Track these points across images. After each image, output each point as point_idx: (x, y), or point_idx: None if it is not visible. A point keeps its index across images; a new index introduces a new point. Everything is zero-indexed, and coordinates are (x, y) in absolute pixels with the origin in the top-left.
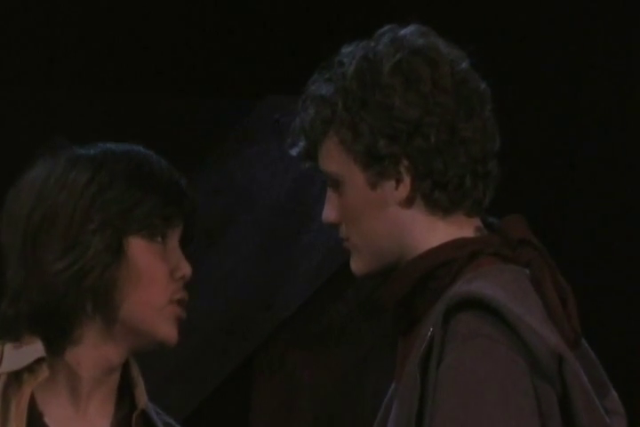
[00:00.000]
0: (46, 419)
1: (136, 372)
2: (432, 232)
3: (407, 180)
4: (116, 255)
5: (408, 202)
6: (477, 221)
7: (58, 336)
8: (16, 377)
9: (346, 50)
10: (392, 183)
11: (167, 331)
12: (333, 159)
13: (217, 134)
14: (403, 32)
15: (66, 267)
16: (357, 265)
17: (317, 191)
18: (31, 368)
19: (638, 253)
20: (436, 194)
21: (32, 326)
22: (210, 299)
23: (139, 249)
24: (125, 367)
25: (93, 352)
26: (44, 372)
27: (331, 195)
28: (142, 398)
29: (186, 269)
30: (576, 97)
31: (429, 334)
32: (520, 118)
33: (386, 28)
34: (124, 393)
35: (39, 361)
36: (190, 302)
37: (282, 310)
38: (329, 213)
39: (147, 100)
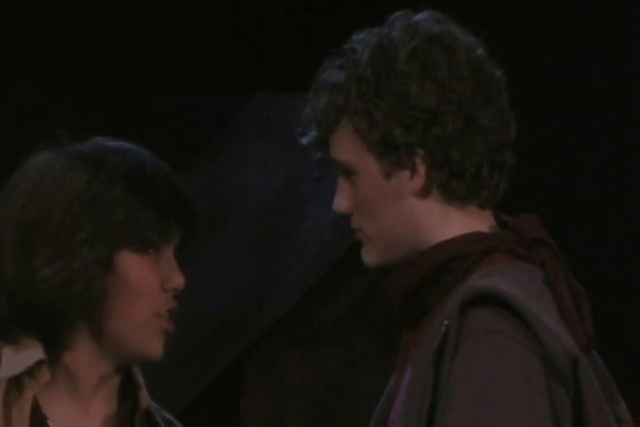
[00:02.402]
0: (50, 422)
1: (137, 373)
2: (447, 224)
3: (422, 170)
4: (105, 269)
5: (423, 192)
6: (490, 216)
7: (52, 341)
8: (16, 382)
9: (357, 37)
10: (407, 173)
11: (151, 346)
12: (347, 148)
13: (207, 132)
14: (416, 18)
15: (52, 275)
16: (370, 256)
17: (308, 190)
18: (31, 372)
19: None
20: (453, 184)
21: (26, 328)
22: (200, 299)
23: (129, 262)
24: (127, 368)
25: (88, 358)
26: (44, 375)
27: (343, 184)
28: (145, 399)
29: (178, 281)
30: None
31: (444, 327)
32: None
33: (398, 13)
34: (126, 393)
35: (39, 364)
36: (180, 303)
37: (273, 310)
38: (341, 202)
39: (135, 97)
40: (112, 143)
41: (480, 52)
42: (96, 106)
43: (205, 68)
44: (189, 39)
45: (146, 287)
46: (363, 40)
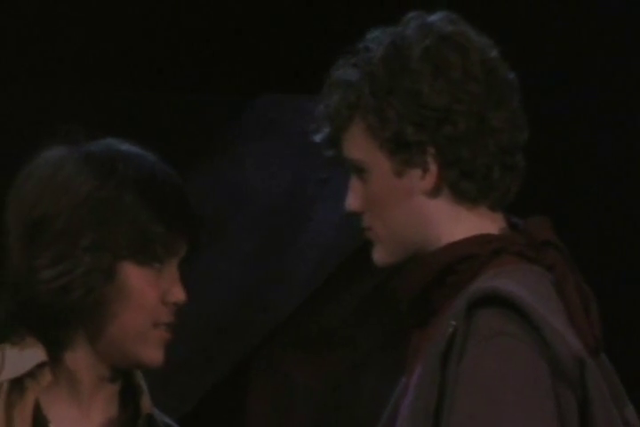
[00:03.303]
0: (52, 425)
1: (139, 377)
2: (457, 224)
3: (434, 168)
4: (107, 278)
5: (434, 191)
6: (501, 217)
7: (53, 341)
8: (18, 383)
9: (371, 35)
10: (418, 172)
11: (150, 355)
12: (358, 146)
13: (211, 133)
14: (431, 18)
15: (52, 278)
16: (380, 255)
17: (313, 192)
18: (33, 373)
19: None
20: (464, 183)
21: (28, 328)
22: (205, 301)
23: (131, 274)
24: (128, 372)
25: (88, 360)
26: (46, 377)
27: (354, 183)
28: (147, 403)
29: (179, 296)
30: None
31: (451, 328)
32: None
33: (412, 14)
34: (127, 397)
35: (40, 366)
36: (184, 304)
37: (277, 312)
38: (352, 201)
39: (139, 98)
40: (124, 147)
41: (494, 53)
42: (99, 107)
43: (209, 69)
44: (193, 40)
45: (146, 300)
46: (376, 39)
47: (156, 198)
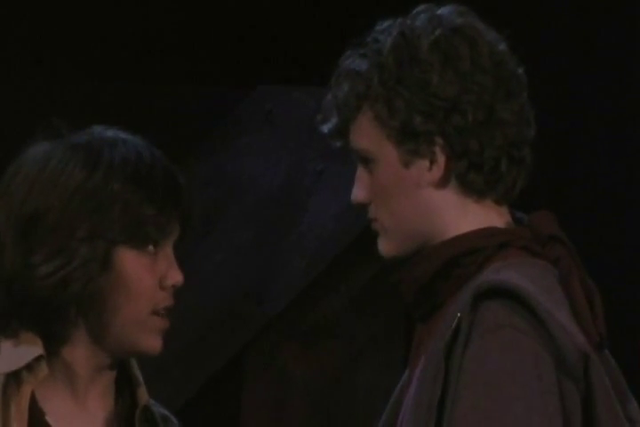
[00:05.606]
0: (48, 418)
1: (135, 369)
2: (463, 216)
3: (441, 159)
4: (103, 267)
5: (441, 183)
6: (506, 211)
7: (50, 335)
8: (15, 376)
9: (380, 27)
10: (425, 163)
11: (150, 342)
12: (366, 135)
13: (207, 125)
14: (440, 11)
15: (50, 273)
16: (386, 247)
17: (310, 183)
18: (29, 366)
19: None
20: (471, 175)
21: (24, 322)
22: (200, 293)
23: (127, 260)
24: (124, 363)
25: (86, 352)
26: (43, 370)
27: (361, 173)
28: (144, 394)
29: (176, 278)
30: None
31: (456, 320)
32: None
33: (422, 6)
34: (123, 389)
35: (38, 359)
36: (180, 296)
37: (273, 304)
38: (358, 192)
39: (136, 89)
40: (109, 134)
41: (502, 47)
42: (95, 99)
43: (206, 60)
44: (189, 31)
45: (144, 285)
46: (385, 30)
47: (145, 181)
